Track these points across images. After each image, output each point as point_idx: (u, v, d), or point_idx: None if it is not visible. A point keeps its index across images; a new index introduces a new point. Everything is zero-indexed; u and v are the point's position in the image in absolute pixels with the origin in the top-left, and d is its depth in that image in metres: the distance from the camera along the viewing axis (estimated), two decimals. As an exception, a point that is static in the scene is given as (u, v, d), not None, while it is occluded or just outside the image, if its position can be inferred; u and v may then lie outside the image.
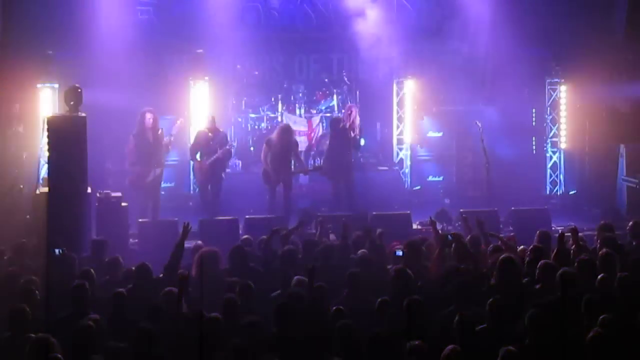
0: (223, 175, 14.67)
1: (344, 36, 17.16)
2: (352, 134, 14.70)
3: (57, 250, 9.85)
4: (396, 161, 17.33)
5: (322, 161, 15.42)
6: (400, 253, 9.69)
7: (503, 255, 8.67)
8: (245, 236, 11.42)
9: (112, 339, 7.43)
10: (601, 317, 7.25)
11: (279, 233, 10.48)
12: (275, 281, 9.11)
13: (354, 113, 14.83)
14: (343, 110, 15.89)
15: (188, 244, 11.26)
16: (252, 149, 16.78)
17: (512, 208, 13.95)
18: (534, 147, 17.88)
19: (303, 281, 8.46)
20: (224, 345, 7.11)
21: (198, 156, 14.59)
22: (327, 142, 15.44)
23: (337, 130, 14.82)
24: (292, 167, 14.78)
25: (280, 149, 14.50)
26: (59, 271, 9.56)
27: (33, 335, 7.12)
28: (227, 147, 14.56)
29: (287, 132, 14.67)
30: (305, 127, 17.21)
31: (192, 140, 15.10)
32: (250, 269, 9.54)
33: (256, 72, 17.68)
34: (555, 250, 9.33)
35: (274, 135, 14.79)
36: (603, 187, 16.45)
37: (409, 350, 6.53)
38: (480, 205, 14.27)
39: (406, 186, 17.18)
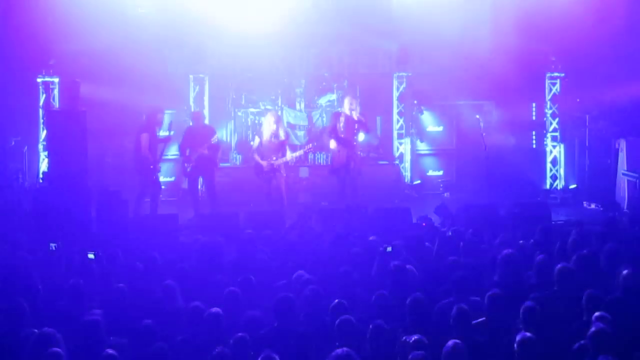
0: (214, 169, 14.67)
1: (344, 31, 17.11)
2: (356, 119, 14.52)
3: (52, 245, 9.82)
4: (396, 155, 17.32)
5: (329, 159, 15.27)
6: (390, 249, 9.62)
7: (506, 252, 8.67)
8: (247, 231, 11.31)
9: (112, 335, 7.41)
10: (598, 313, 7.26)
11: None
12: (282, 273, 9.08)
13: (354, 104, 14.78)
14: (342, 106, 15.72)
15: (187, 240, 11.20)
16: (252, 143, 16.77)
17: (512, 202, 13.92)
18: (534, 141, 17.87)
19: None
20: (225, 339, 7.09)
21: (187, 152, 14.58)
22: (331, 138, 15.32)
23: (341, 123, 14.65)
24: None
25: (268, 136, 14.49)
26: (57, 266, 9.56)
27: (36, 330, 7.09)
28: (212, 142, 14.49)
29: (272, 117, 14.64)
30: (305, 121, 17.23)
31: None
32: (258, 260, 9.47)
33: (255, 68, 17.63)
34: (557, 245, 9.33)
35: (262, 125, 14.96)
36: (603, 182, 16.44)
37: (408, 344, 6.53)
38: (480, 199, 14.27)
39: (406, 180, 17.17)
